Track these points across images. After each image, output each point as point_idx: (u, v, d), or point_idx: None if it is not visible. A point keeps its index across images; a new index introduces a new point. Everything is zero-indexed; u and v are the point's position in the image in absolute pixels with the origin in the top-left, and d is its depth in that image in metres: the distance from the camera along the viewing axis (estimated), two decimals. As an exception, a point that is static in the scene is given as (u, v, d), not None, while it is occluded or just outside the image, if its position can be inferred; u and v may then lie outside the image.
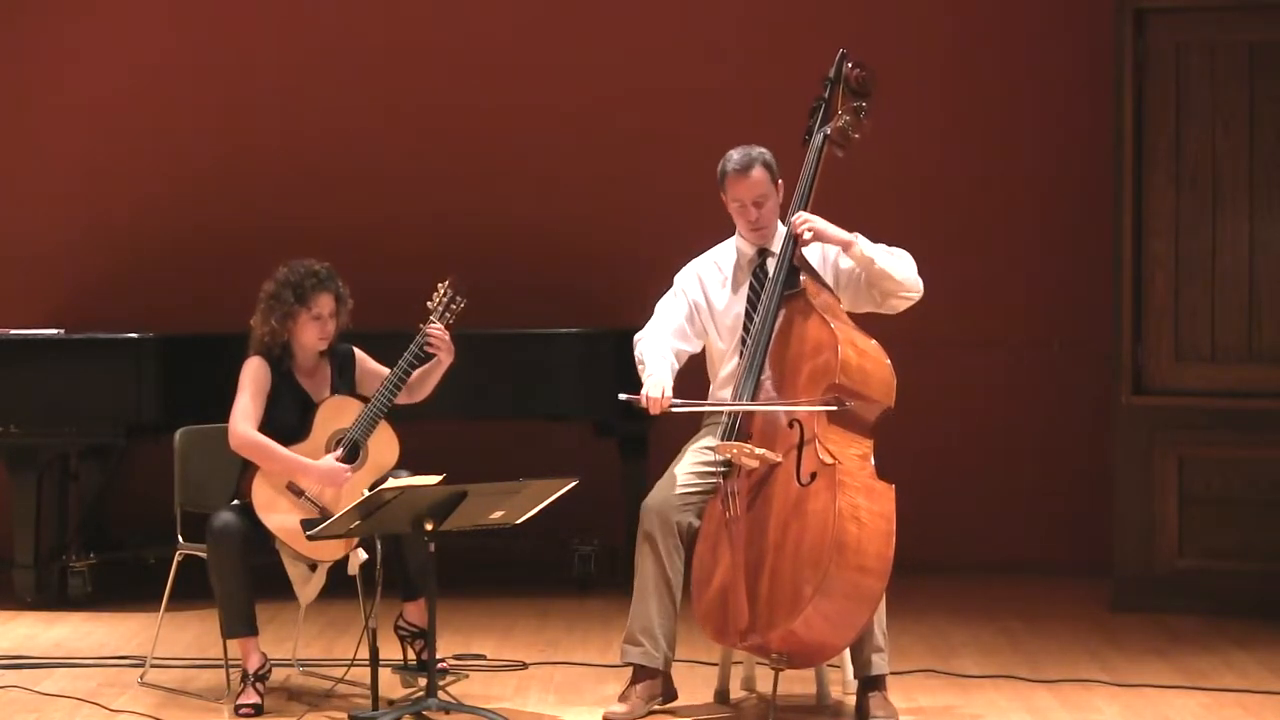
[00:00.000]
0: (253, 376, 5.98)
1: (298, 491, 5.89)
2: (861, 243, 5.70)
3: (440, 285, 6.05)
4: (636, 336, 5.90)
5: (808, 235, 5.68)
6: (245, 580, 5.84)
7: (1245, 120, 7.37)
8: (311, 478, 5.89)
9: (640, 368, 5.80)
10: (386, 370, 6.04)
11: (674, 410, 5.64)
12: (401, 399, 6.04)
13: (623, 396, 5.64)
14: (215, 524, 5.84)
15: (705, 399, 5.90)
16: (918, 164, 8.27)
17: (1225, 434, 7.37)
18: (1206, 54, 7.40)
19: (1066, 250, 8.24)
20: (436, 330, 5.99)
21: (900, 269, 5.73)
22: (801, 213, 5.73)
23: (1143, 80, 7.42)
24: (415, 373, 6.04)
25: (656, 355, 5.78)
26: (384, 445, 5.98)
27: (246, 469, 5.93)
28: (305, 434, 5.94)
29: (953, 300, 7.98)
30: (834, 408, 5.53)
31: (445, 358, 6.04)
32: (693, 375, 6.00)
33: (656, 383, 5.66)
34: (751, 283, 5.87)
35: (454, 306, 6.03)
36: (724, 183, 5.88)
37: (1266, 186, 7.37)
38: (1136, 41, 7.41)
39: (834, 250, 5.80)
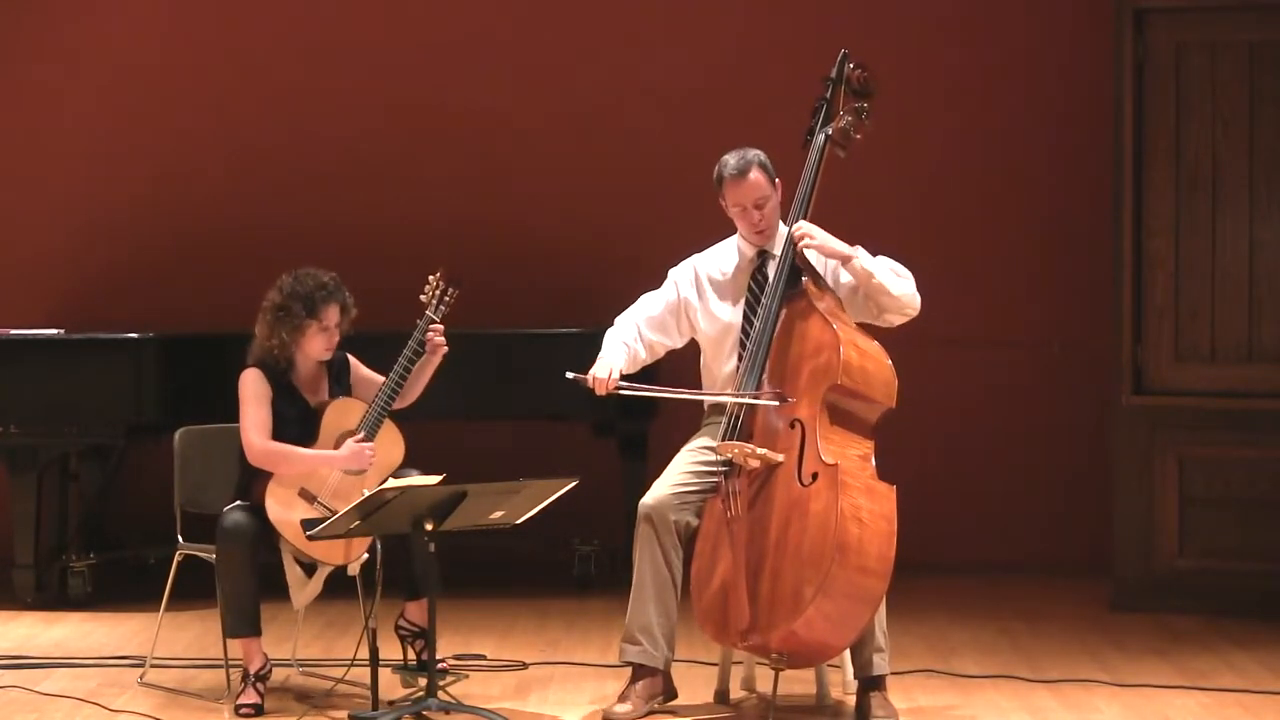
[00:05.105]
0: (253, 388, 5.94)
1: (310, 497, 5.88)
2: (862, 257, 5.70)
3: (431, 277, 6.04)
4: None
5: (809, 241, 5.68)
6: (253, 581, 5.82)
7: (1245, 120, 7.37)
8: (337, 465, 5.88)
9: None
10: (378, 377, 6.05)
11: (620, 393, 5.70)
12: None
13: (569, 375, 5.69)
14: (226, 523, 5.82)
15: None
16: (918, 164, 8.26)
17: (1225, 434, 7.37)
18: (1206, 54, 7.39)
19: (1066, 250, 8.23)
20: (439, 328, 6.00)
21: (898, 285, 5.72)
22: (803, 223, 5.72)
23: (1143, 80, 7.42)
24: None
25: (614, 338, 5.87)
26: (390, 443, 5.98)
27: (256, 473, 5.90)
28: (312, 439, 5.93)
29: (953, 300, 7.97)
30: (776, 403, 5.56)
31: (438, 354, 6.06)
32: (691, 377, 6.01)
33: (605, 364, 5.75)
34: (750, 285, 5.87)
35: (447, 298, 6.03)
36: (722, 188, 5.86)
37: (1266, 186, 7.37)
38: (1136, 41, 7.40)
39: (835, 261, 5.79)
